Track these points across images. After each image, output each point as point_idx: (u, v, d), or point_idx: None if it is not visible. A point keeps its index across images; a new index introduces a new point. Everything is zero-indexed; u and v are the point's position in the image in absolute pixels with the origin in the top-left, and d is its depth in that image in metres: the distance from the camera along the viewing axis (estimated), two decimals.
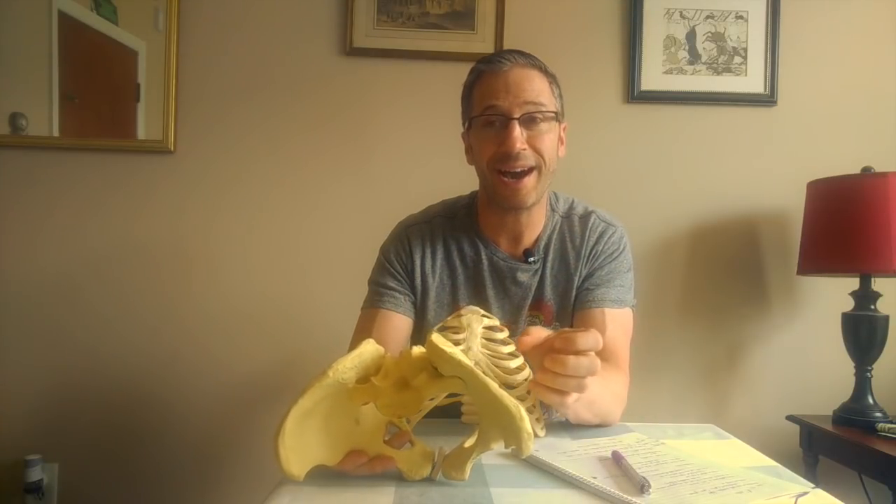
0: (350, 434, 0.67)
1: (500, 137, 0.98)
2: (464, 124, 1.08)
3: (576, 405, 0.82)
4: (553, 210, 1.11)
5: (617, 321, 1.03)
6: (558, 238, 1.07)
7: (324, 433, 0.66)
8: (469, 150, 1.08)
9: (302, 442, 0.64)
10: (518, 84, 0.98)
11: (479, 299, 1.06)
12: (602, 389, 0.88)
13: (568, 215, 1.10)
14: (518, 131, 0.97)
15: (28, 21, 1.65)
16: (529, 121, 0.98)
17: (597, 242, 1.07)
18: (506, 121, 0.97)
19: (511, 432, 0.61)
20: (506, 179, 0.98)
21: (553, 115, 1.01)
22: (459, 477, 0.66)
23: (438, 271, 1.08)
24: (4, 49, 1.65)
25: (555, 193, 1.14)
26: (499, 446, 0.64)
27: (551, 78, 1.04)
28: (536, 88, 0.99)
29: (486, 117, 0.99)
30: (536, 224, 1.07)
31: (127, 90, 1.69)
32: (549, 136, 1.00)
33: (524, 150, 0.97)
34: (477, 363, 0.84)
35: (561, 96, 1.05)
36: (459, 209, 1.12)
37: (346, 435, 0.67)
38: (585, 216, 1.09)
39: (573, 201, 1.13)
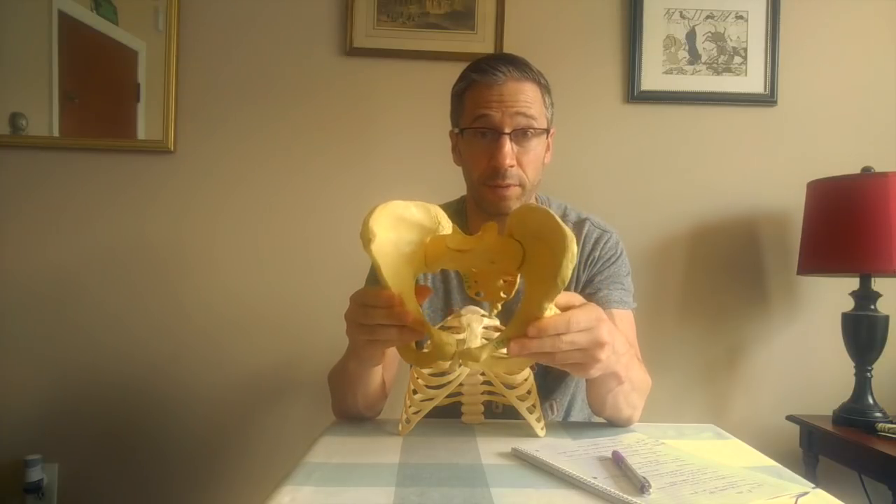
0: (405, 277, 0.71)
1: (491, 151, 0.99)
2: (453, 126, 1.09)
3: (616, 396, 0.85)
4: None
5: (625, 322, 1.03)
6: None
7: (401, 247, 0.71)
8: (456, 150, 1.09)
9: (387, 230, 0.68)
10: (511, 97, 0.98)
11: (472, 304, 1.06)
12: (640, 378, 0.91)
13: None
14: (509, 147, 0.98)
15: (28, 21, 1.65)
16: (520, 136, 0.99)
17: (593, 249, 1.08)
18: (497, 135, 0.98)
19: (559, 251, 0.64)
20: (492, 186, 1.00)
21: (543, 131, 1.02)
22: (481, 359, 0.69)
23: (431, 276, 1.08)
24: (4, 49, 1.65)
25: (548, 198, 1.15)
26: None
27: (544, 87, 1.04)
28: (529, 101, 0.99)
29: (477, 129, 1.00)
30: None
31: (127, 90, 1.68)
32: (536, 153, 1.02)
33: (512, 167, 0.98)
34: None
35: (552, 104, 1.06)
36: (450, 215, 1.12)
37: (404, 273, 0.71)
38: (580, 223, 1.10)
39: (566, 207, 1.14)
